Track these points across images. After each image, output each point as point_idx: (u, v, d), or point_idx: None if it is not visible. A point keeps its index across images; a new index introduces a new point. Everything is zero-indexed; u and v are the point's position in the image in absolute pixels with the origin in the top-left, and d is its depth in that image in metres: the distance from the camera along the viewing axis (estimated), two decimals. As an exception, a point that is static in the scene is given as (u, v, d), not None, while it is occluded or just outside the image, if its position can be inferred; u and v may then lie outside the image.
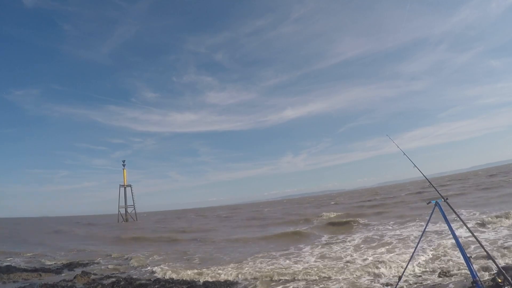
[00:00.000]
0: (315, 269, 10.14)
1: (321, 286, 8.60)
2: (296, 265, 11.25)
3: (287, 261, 12.16)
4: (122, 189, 70.91)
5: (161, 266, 13.06)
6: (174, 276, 11.28)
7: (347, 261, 11.12)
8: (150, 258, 15.45)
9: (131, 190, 71.90)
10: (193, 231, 30.92)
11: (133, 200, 71.63)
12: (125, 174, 71.48)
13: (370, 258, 11.10)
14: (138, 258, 15.42)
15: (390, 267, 9.31)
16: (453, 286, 7.26)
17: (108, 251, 19.43)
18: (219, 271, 11.10)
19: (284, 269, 10.57)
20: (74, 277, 11.66)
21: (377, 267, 9.39)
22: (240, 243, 18.85)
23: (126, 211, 70.47)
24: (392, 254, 11.48)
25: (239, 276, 10.48)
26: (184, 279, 10.73)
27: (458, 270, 8.32)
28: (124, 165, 71.92)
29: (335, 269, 9.94)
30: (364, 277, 8.92)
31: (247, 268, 11.26)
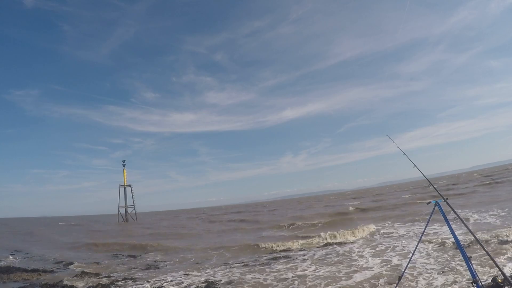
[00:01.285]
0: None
1: None
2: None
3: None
4: (122, 189, 70.92)
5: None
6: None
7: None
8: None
9: (131, 190, 71.96)
10: (165, 235, 28.99)
11: (133, 200, 71.69)
12: (125, 174, 71.46)
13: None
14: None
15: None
16: (453, 286, 7.27)
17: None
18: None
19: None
20: (74, 277, 11.68)
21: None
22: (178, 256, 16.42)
23: (126, 211, 70.48)
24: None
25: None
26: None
27: (458, 270, 8.33)
28: (124, 165, 71.93)
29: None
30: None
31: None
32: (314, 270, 10.30)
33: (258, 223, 33.46)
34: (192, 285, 9.81)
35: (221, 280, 10.04)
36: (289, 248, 15.70)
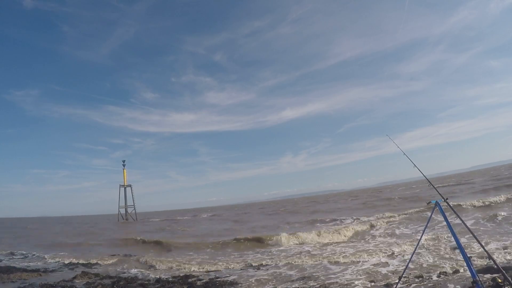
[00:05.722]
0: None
1: None
2: None
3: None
4: (122, 189, 70.98)
5: None
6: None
7: None
8: None
9: (131, 190, 72.02)
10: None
11: (133, 200, 71.75)
12: (125, 174, 71.48)
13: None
14: None
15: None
16: (453, 286, 7.26)
17: None
18: None
19: None
20: (74, 277, 11.67)
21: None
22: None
23: (126, 211, 70.51)
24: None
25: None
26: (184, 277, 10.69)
27: (458, 270, 8.32)
28: (124, 165, 71.97)
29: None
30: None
31: None
32: None
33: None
34: None
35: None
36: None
